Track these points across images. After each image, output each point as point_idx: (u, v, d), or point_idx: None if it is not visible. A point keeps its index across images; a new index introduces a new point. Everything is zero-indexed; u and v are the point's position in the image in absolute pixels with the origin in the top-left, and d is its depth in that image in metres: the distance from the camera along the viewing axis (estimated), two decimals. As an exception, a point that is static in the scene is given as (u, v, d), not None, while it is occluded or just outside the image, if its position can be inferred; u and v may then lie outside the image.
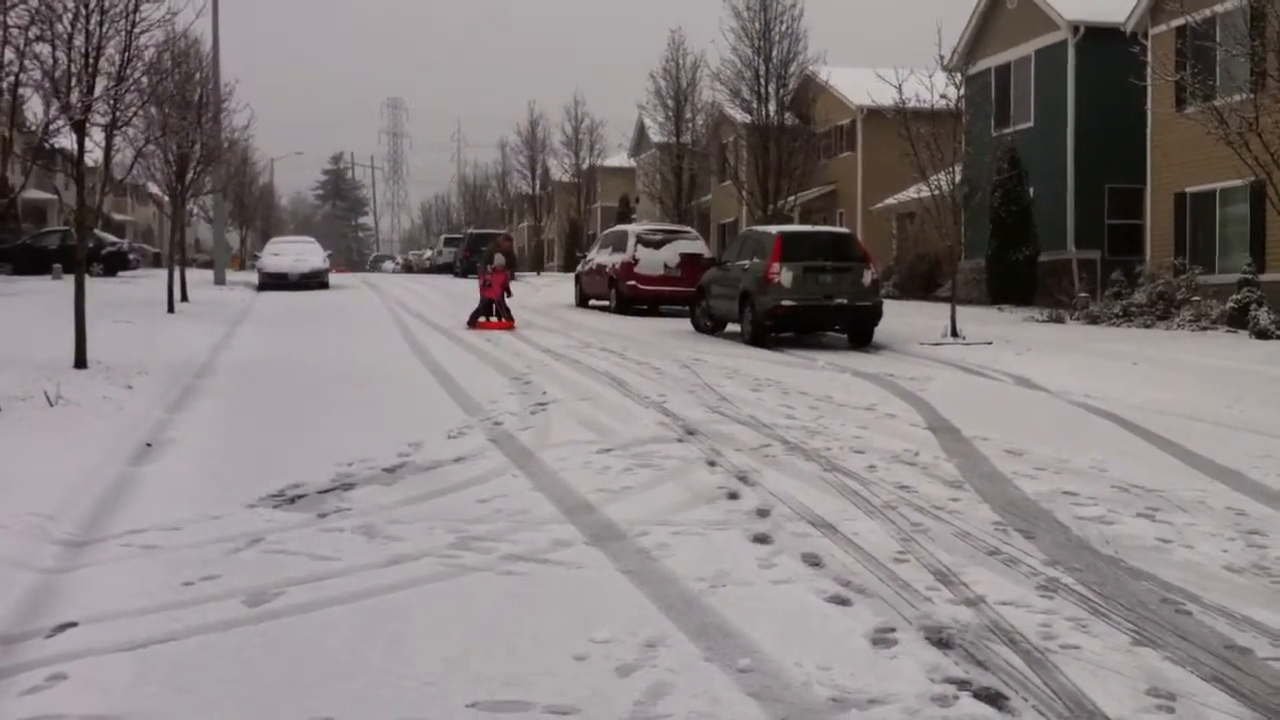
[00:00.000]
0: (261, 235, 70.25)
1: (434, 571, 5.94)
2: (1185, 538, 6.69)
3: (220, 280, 36.47)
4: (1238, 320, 20.72)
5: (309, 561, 6.11)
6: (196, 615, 5.27)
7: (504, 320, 21.68)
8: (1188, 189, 24.62)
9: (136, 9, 13.29)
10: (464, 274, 44.16)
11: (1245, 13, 16.34)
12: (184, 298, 25.37)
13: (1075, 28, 28.50)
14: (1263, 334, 19.35)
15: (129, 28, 13.33)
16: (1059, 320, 23.93)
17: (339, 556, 6.20)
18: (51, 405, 10.57)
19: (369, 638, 4.98)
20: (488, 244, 41.54)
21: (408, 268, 74.73)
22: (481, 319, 21.79)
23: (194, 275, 31.56)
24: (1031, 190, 28.48)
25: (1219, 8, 18.03)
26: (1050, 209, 28.78)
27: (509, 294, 22.43)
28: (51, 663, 4.69)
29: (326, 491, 7.81)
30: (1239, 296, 21.05)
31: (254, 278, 37.65)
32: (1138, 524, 6.99)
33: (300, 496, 7.67)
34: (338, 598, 5.51)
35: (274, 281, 34.51)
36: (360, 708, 4.25)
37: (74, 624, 5.16)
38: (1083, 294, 25.50)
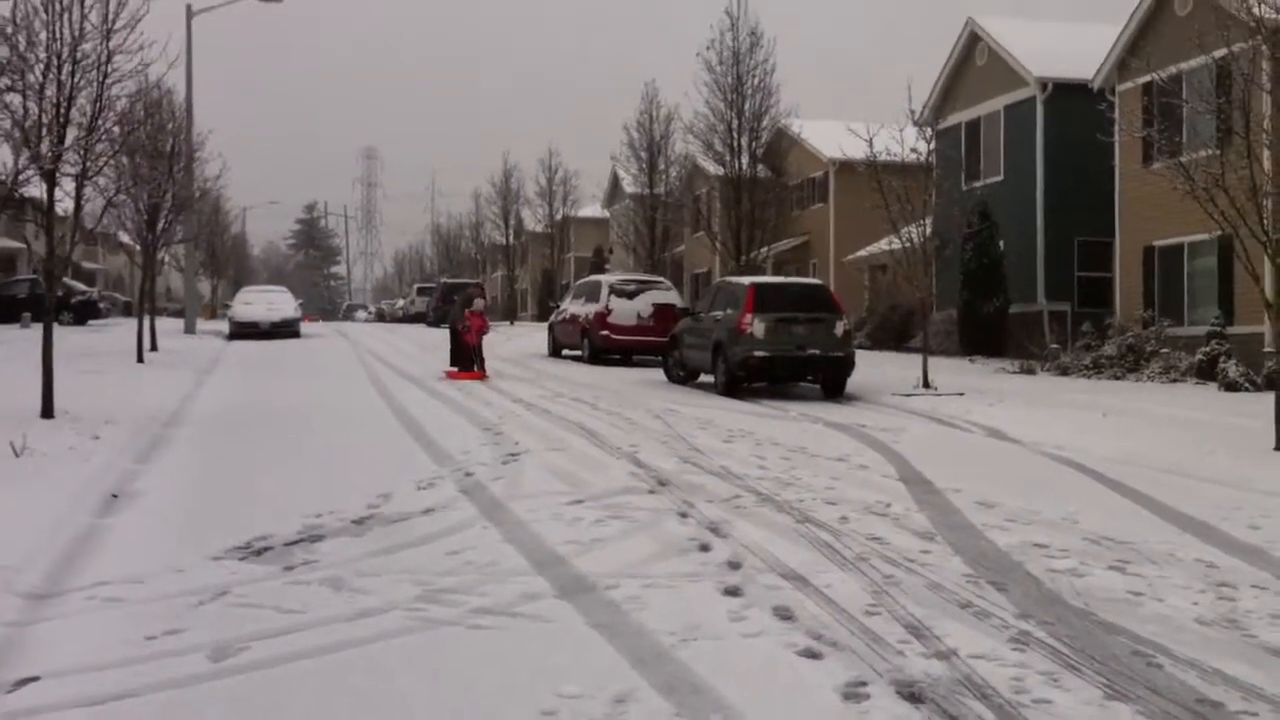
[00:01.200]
0: (233, 284, 70.06)
1: (402, 625, 5.87)
2: (1156, 590, 6.69)
3: (191, 329, 36.32)
4: (1207, 372, 20.88)
5: (275, 615, 6.04)
6: (159, 670, 5.19)
7: (477, 371, 21.44)
8: (1156, 242, 24.87)
9: (109, 60, 13.28)
10: (437, 323, 44.13)
11: (1211, 70, 16.57)
12: (154, 347, 25.23)
13: (1043, 84, 28.87)
14: (1231, 386, 19.49)
15: (101, 78, 13.32)
16: (1030, 372, 24.06)
17: (305, 610, 6.13)
18: (17, 455, 10.46)
19: (336, 693, 4.91)
20: (460, 294, 41.57)
21: (380, 317, 74.62)
22: (455, 369, 21.71)
23: (164, 324, 31.46)
24: (1002, 243, 28.71)
25: (1185, 65, 18.30)
26: (1021, 261, 29.02)
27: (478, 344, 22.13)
28: (14, 718, 4.61)
29: (294, 543, 7.73)
30: (1208, 349, 21.23)
31: (225, 327, 37.50)
32: (1109, 576, 6.99)
33: (267, 549, 7.59)
34: (304, 652, 5.43)
35: (245, 331, 34.40)
36: (324, 765, 4.18)
37: (36, 678, 5.07)
38: (1054, 345, 25.66)
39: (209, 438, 13.11)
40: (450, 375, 21.37)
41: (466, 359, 21.71)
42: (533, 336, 35.43)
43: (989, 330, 28.39)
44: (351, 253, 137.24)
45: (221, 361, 25.23)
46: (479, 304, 22.30)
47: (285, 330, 34.80)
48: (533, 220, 63.29)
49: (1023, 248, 29.22)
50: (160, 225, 24.87)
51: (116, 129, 14.69)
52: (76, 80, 12.87)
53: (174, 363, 23.13)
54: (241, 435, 13.35)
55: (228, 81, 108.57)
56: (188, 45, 32.70)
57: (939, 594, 6.52)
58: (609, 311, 25.46)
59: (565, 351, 28.08)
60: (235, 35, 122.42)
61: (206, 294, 64.86)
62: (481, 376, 21.14)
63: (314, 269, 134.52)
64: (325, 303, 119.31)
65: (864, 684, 5.05)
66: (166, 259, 41.05)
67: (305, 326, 38.53)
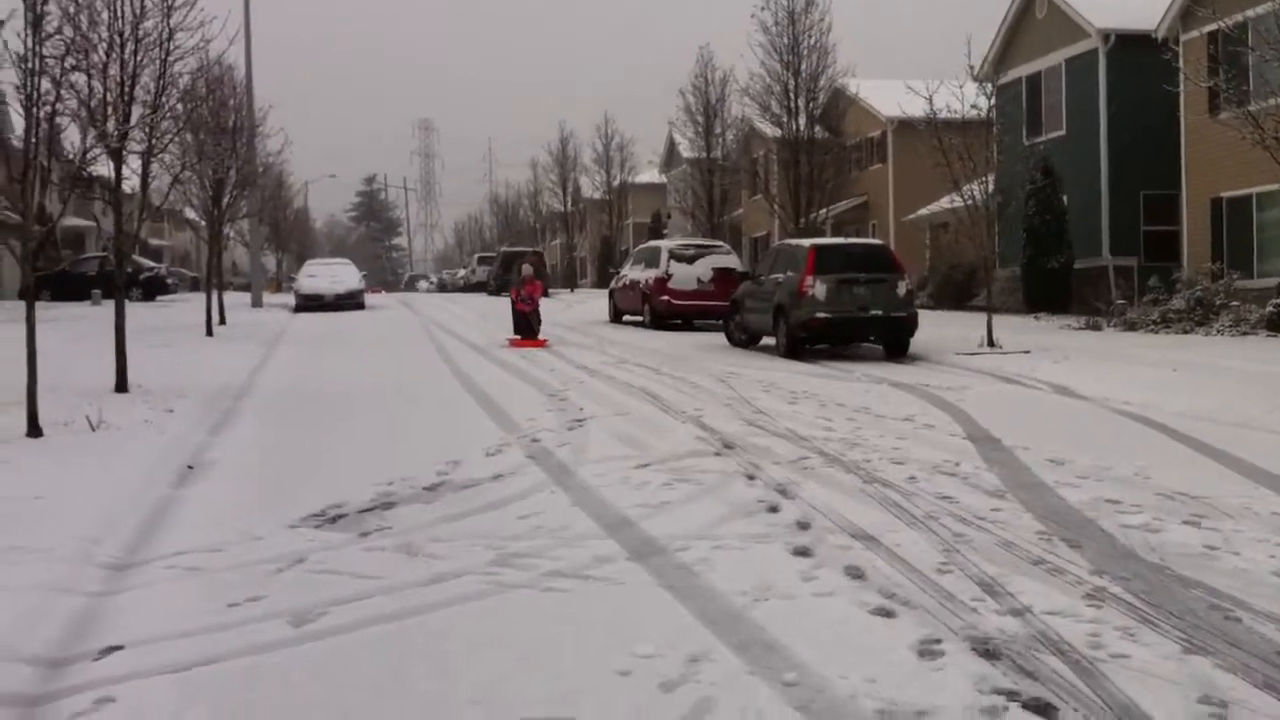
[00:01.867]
0: (297, 258, 70.72)
1: (476, 589, 5.94)
2: (1232, 544, 6.61)
3: (257, 303, 36.75)
4: (1277, 324, 20.52)
5: (352, 580, 6.13)
6: (240, 637, 5.29)
7: (538, 338, 21.70)
8: (1223, 194, 24.43)
9: (170, 38, 13.42)
10: (498, 292, 44.33)
11: (1277, 16, 16.20)
12: (222, 321, 25.57)
13: (1106, 35, 28.37)
14: (1304, 338, 19.15)
15: (163, 56, 13.47)
16: (1096, 328, 23.77)
17: (381, 575, 6.21)
18: (94, 430, 10.66)
19: (413, 657, 4.98)
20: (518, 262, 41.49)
21: (442, 287, 75.03)
22: (517, 336, 21.91)
23: (231, 298, 31.85)
24: (1065, 198, 28.33)
25: (1250, 12, 17.90)
26: (1085, 217, 28.62)
27: (537, 310, 22.35)
28: (98, 686, 4.71)
29: (367, 510, 7.84)
30: (1278, 300, 20.84)
31: (290, 300, 37.89)
32: (1184, 531, 6.92)
33: (341, 516, 7.70)
34: (381, 617, 5.52)
35: (310, 303, 34.73)
36: (406, 726, 4.24)
37: (120, 647, 5.18)
38: (1119, 301, 25.32)
39: (279, 409, 13.28)
40: (512, 343, 21.52)
41: (527, 326, 21.93)
42: (593, 303, 35.49)
43: (1053, 287, 28.06)
44: (412, 224, 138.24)
45: (288, 334, 25.52)
46: (526, 270, 22.86)
47: (350, 302, 35.10)
48: (590, 187, 63.36)
49: (1087, 203, 28.81)
50: (225, 200, 25.18)
51: (180, 106, 14.87)
52: (139, 58, 13.02)
53: (242, 336, 23.43)
54: (310, 406, 13.52)
55: (286, 57, 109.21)
56: (246, 21, 32.89)
57: (1011, 552, 6.49)
58: (669, 277, 25.45)
59: (626, 317, 28.11)
60: (292, 10, 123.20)
61: (271, 268, 65.61)
62: (542, 343, 21.27)
63: (375, 241, 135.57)
64: (387, 274, 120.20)
65: (938, 641, 5.05)
66: (232, 234, 41.43)
67: (369, 298, 38.82)
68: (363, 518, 7.64)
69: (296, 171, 79.71)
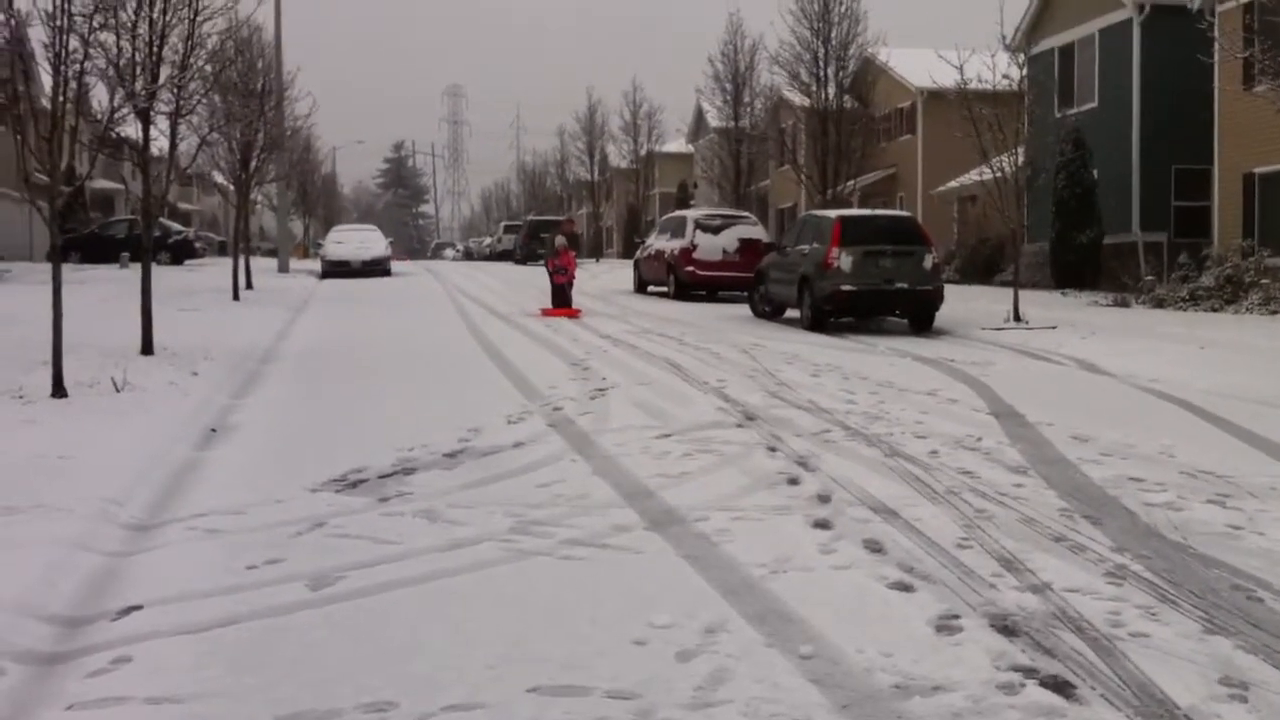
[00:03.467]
0: (324, 224, 70.91)
1: (494, 556, 5.94)
2: (1256, 524, 6.55)
3: (284, 268, 36.86)
4: (1309, 303, 20.30)
5: (371, 545, 6.14)
6: (259, 598, 5.31)
7: (570, 308, 21.49)
8: (1256, 169, 24.13)
9: (199, -3, 13.41)
10: (524, 260, 44.31)
11: (1318, -12, 15.97)
12: (249, 285, 25.64)
13: (1141, 5, 28.00)
14: (1335, 317, 18.95)
15: (191, 16, 13.47)
16: (1124, 304, 23.58)
17: (400, 540, 6.23)
18: (118, 391, 10.71)
19: (430, 621, 4.99)
20: (549, 231, 41.52)
21: (468, 255, 75.13)
22: (549, 307, 21.64)
23: (258, 263, 31.93)
24: (1096, 172, 28.06)
25: (1290, -17, 17.67)
26: (1115, 191, 28.34)
27: (572, 280, 22.16)
28: (116, 645, 4.74)
29: (387, 476, 7.85)
30: (1310, 279, 20.62)
31: (317, 266, 37.98)
32: (1207, 510, 6.86)
33: (362, 481, 7.72)
34: (399, 581, 5.53)
35: (337, 269, 34.81)
36: (422, 690, 4.25)
37: (139, 607, 5.21)
38: (1149, 277, 25.09)
39: (303, 374, 13.32)
40: (545, 312, 21.26)
41: (560, 295, 21.71)
42: (618, 273, 35.45)
43: (1082, 262, 27.81)
44: (439, 191, 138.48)
45: (314, 299, 25.60)
46: (560, 241, 22.29)
47: (376, 269, 35.16)
48: (617, 156, 63.18)
49: (1117, 176, 28.53)
50: (253, 164, 25.19)
51: (208, 67, 14.86)
52: (168, 18, 12.99)
53: (268, 301, 23.50)
54: (334, 371, 13.56)
55: (314, 19, 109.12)
56: (275, -18, 32.87)
57: (1032, 528, 6.45)
58: (694, 247, 25.38)
59: (651, 288, 28.07)
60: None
61: (299, 233, 65.76)
62: (576, 313, 21.05)
63: (402, 208, 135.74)
64: (414, 241, 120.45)
65: (956, 616, 5.02)
66: (259, 199, 41.64)
67: (395, 265, 38.87)
68: (383, 483, 7.66)
69: (324, 136, 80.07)
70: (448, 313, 21.93)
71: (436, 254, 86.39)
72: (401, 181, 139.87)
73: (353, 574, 5.64)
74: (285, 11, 34.15)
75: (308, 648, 4.71)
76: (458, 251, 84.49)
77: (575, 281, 22.34)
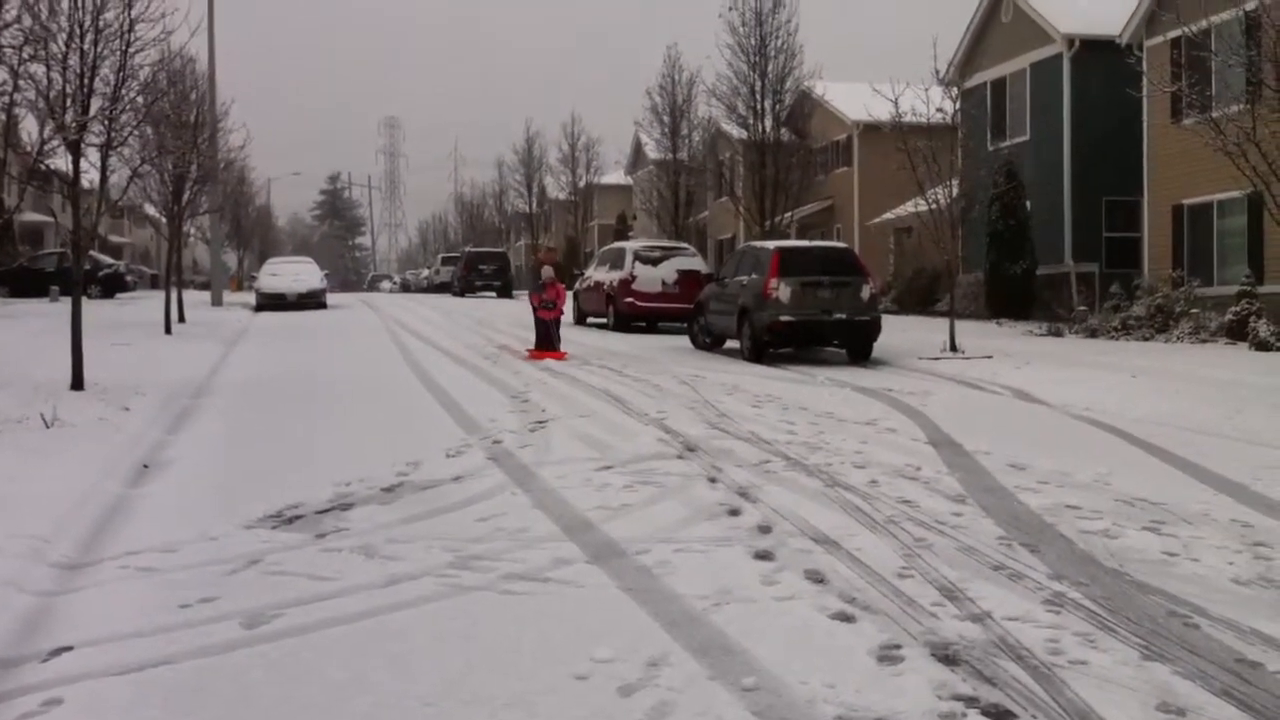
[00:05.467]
0: (259, 256, 70.28)
1: (434, 591, 5.88)
2: (1191, 551, 6.64)
3: (217, 301, 36.45)
4: (1237, 332, 20.68)
5: (308, 582, 6.06)
6: (194, 638, 5.21)
7: (558, 350, 19.15)
8: (1185, 201, 24.61)
9: (131, 29, 13.25)
10: (462, 293, 44.14)
11: (1241, 22, 16.34)
12: (181, 319, 25.32)
13: (1070, 40, 28.53)
14: (1262, 345, 19.31)
15: (124, 47, 13.30)
16: (1058, 334, 23.90)
17: (338, 577, 6.14)
18: (48, 427, 10.51)
19: (369, 659, 4.92)
20: (490, 263, 41.13)
21: (405, 287, 74.69)
22: (535, 348, 19.30)
23: (191, 296, 31.57)
24: (1029, 204, 28.48)
25: (1215, 18, 18.00)
26: (1048, 222, 28.78)
27: (559, 318, 19.75)
28: (47, 687, 4.63)
29: (325, 511, 7.75)
30: (1238, 309, 21.01)
31: (252, 298, 37.61)
32: (1143, 537, 6.94)
33: (298, 517, 7.61)
34: (337, 618, 5.45)
35: (272, 302, 34.50)
36: (360, 730, 4.19)
37: (70, 648, 5.10)
38: (1081, 307, 25.47)
39: (237, 408, 13.16)
40: (531, 354, 18.95)
41: (548, 336, 19.40)
42: (557, 304, 35.35)
43: (1016, 292, 28.19)
44: (376, 223, 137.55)
45: (248, 333, 25.32)
46: (547, 272, 20.01)
47: (312, 301, 34.89)
48: (556, 188, 63.26)
49: (1050, 208, 28.98)
50: (185, 196, 24.91)
51: (140, 99, 14.69)
52: (99, 49, 12.83)
53: (201, 334, 23.21)
54: (269, 405, 13.40)
55: (249, 51, 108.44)
56: (209, 13, 32.60)
57: (971, 556, 6.48)
58: (633, 279, 25.39)
59: (590, 319, 28.04)
60: (256, 3, 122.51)
61: (233, 266, 65.14)
62: (562, 356, 18.72)
63: (339, 240, 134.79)
64: (350, 273, 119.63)
65: (898, 647, 5.03)
66: (192, 231, 41.15)
67: (330, 297, 38.57)
68: (320, 518, 7.56)
69: (259, 168, 79.38)
70: (385, 345, 21.75)
71: (373, 286, 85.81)
72: (338, 213, 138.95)
73: (290, 611, 5.55)
74: (219, 43, 33.91)
75: (245, 688, 4.62)
76: (395, 283, 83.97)
77: (558, 317, 19.72)
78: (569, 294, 24.83)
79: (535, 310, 19.67)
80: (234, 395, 14.22)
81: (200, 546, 6.82)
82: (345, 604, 5.67)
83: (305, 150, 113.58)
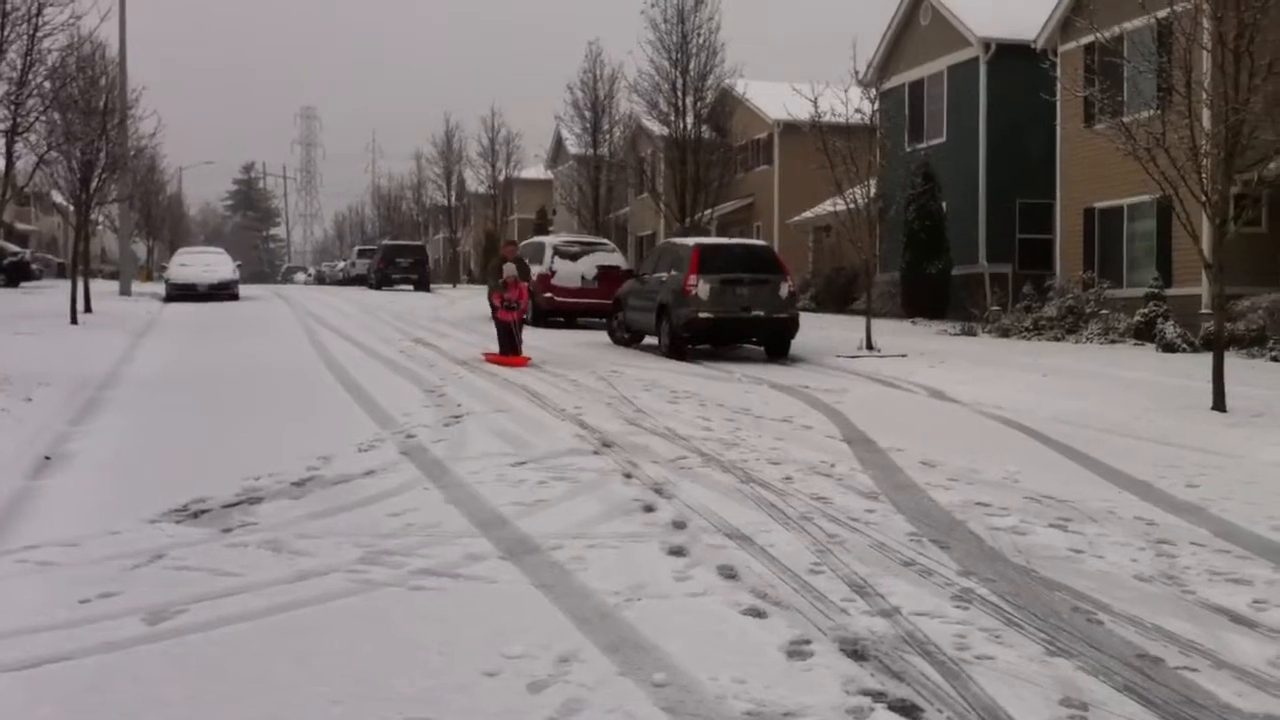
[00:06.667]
0: (169, 246, 68.90)
1: (343, 587, 5.80)
2: (1096, 548, 6.75)
3: (126, 291, 35.68)
4: (1145, 334, 21.11)
5: (212, 578, 5.94)
6: (94, 634, 5.09)
7: (520, 354, 17.24)
8: (1096, 204, 25.05)
9: (40, 12, 12.98)
10: (379, 285, 43.71)
11: (1153, 30, 16.65)
12: (88, 309, 24.78)
13: (987, 45, 28.92)
14: (1169, 347, 19.72)
15: (31, 31, 13.04)
16: (971, 333, 24.22)
17: (244, 573, 6.03)
18: (-54, 418, 10.23)
19: (275, 656, 4.83)
20: (408, 256, 40.43)
21: (320, 279, 73.77)
22: (496, 351, 17.51)
23: (99, 286, 30.94)
24: (944, 205, 28.82)
25: (1128, 25, 18.32)
26: (963, 223, 29.15)
27: (522, 320, 17.95)
28: (-63, 686, 4.49)
29: (231, 506, 7.62)
30: (1146, 310, 21.45)
31: (161, 289, 36.93)
32: (1050, 534, 7.04)
33: (204, 511, 7.47)
34: (243, 615, 5.35)
35: (182, 293, 33.88)
36: (263, 729, 4.11)
37: (-37, 645, 4.95)
38: (995, 307, 25.83)
39: (144, 400, 12.90)
40: (489, 358, 17.26)
41: (508, 339, 17.50)
42: (476, 299, 35.16)
43: (931, 292, 28.52)
44: (291, 214, 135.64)
45: (157, 324, 24.85)
46: (509, 270, 17.94)
47: (223, 292, 34.32)
48: (475, 181, 62.77)
49: (965, 209, 29.35)
50: (94, 184, 24.41)
51: (47, 83, 14.36)
52: (5, 33, 12.55)
53: (109, 325, 22.74)
54: (178, 398, 13.15)
55: (162, 37, 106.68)
56: (121, -1, 31.94)
57: (882, 553, 6.53)
58: (553, 274, 25.30)
59: (508, 313, 27.84)
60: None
61: (142, 256, 63.93)
62: (524, 361, 16.90)
63: (252, 231, 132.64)
64: (264, 265, 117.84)
65: (808, 642, 5.05)
66: (101, 220, 40.29)
67: (243, 289, 37.97)
68: (227, 513, 7.42)
69: (171, 156, 77.73)
70: (299, 338, 21.46)
71: (287, 278, 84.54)
72: (251, 204, 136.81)
73: (193, 608, 5.44)
74: (131, 29, 33.23)
75: (146, 685, 4.52)
76: (309, 276, 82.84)
77: (520, 319, 17.75)
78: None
79: (496, 311, 17.87)
80: (141, 387, 13.94)
81: (102, 541, 6.67)
82: (251, 600, 5.57)
83: (219, 140, 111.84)
